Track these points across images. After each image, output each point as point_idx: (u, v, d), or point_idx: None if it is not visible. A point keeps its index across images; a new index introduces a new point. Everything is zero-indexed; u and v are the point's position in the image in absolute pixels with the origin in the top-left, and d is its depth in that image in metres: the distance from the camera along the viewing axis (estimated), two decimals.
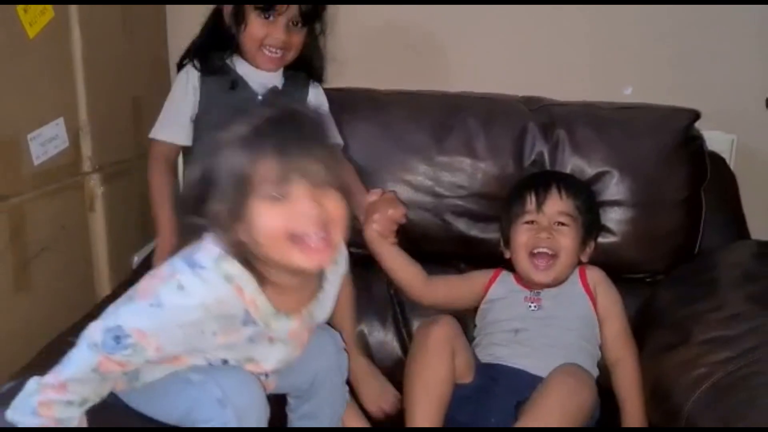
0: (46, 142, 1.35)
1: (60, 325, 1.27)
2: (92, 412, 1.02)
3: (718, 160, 1.60)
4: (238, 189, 0.96)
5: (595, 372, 1.36)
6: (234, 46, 1.47)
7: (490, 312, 1.42)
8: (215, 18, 1.49)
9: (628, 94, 1.76)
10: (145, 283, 1.02)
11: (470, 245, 1.54)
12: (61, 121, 1.39)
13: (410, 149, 1.54)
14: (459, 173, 1.52)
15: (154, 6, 1.75)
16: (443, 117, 1.55)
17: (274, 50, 1.45)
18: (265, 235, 0.96)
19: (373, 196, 1.46)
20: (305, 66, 1.53)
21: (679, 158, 1.49)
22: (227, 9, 1.46)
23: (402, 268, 1.46)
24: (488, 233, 1.52)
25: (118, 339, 0.96)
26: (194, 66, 1.46)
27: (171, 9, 1.79)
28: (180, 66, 1.49)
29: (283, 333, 1.07)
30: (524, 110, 1.56)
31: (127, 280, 1.41)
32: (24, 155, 1.30)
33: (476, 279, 1.48)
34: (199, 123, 1.46)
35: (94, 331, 0.98)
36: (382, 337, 1.52)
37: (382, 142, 1.54)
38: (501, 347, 1.35)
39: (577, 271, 1.41)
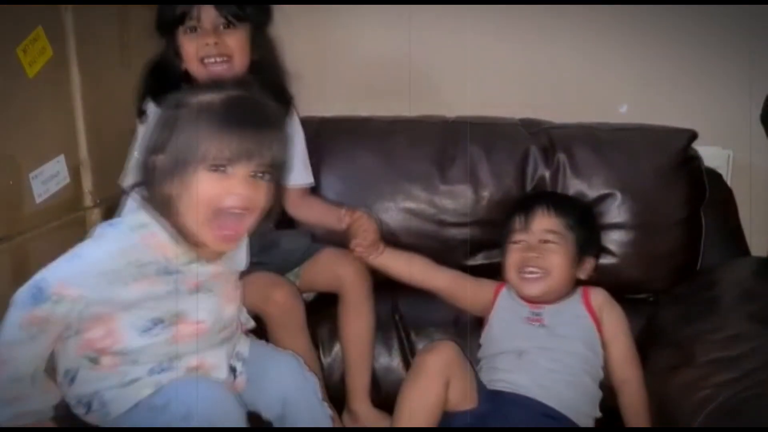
0: (48, 179, 1.35)
1: None
2: None
3: (714, 177, 1.61)
4: (189, 150, 1.04)
5: (599, 394, 1.36)
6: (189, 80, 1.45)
7: (494, 330, 1.42)
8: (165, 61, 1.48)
9: (623, 112, 1.77)
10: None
11: (474, 272, 1.53)
12: (62, 158, 1.39)
13: (413, 177, 1.55)
14: (462, 200, 1.53)
15: (152, 38, 1.74)
16: (444, 144, 1.56)
17: (213, 59, 1.41)
18: (198, 201, 1.04)
19: (345, 222, 1.43)
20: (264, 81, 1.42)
21: (677, 179, 1.50)
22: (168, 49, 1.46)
23: (405, 270, 1.45)
24: (492, 259, 1.53)
25: (40, 290, 1.02)
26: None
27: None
28: (141, 112, 1.47)
29: (206, 277, 1.13)
30: (524, 134, 1.56)
31: None
32: (26, 194, 1.31)
33: (486, 285, 1.47)
34: None
35: (20, 292, 1.03)
36: (388, 362, 1.52)
37: (383, 171, 1.55)
38: (505, 372, 1.35)
39: (580, 292, 1.41)
